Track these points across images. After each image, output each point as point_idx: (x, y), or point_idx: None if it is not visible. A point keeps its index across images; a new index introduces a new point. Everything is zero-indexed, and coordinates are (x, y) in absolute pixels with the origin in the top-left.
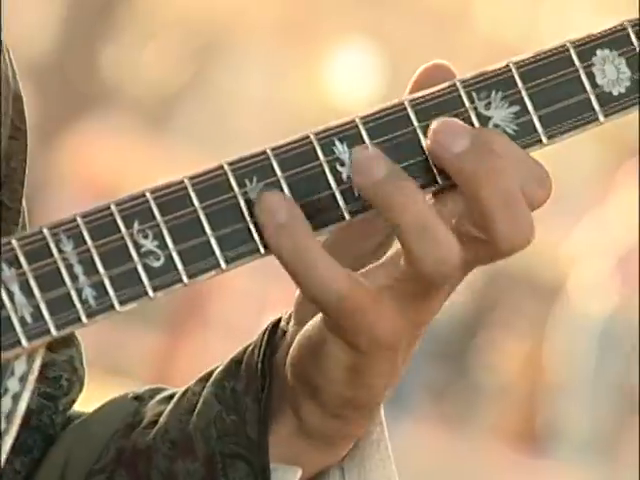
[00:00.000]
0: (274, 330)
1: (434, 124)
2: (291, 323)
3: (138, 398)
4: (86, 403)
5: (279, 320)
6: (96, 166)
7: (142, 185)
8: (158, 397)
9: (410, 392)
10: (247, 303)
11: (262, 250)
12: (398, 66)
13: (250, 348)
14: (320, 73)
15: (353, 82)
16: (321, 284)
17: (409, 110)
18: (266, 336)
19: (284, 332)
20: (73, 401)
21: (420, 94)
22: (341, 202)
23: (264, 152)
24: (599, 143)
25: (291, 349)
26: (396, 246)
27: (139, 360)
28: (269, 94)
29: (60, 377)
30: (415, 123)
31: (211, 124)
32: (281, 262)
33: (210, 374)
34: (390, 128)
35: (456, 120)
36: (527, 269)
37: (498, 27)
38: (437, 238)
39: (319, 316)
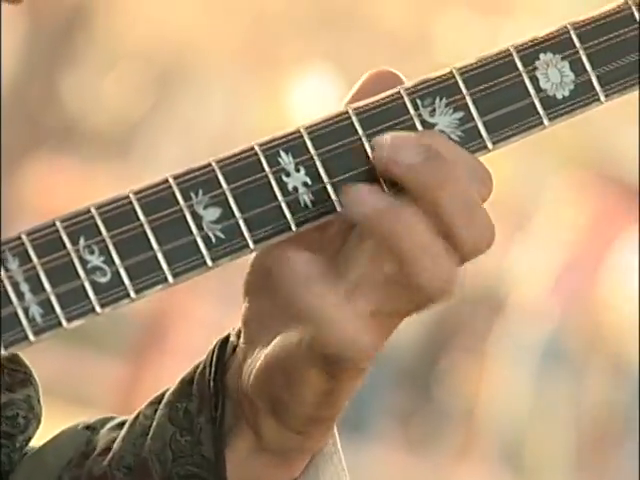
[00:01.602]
0: (223, 347)
1: (378, 139)
2: (241, 340)
3: (89, 427)
4: (49, 434)
5: (227, 337)
6: (57, 197)
7: None
8: (109, 425)
9: (375, 417)
10: (207, 331)
11: (209, 263)
12: None
13: (200, 367)
14: (281, 99)
15: (314, 108)
16: (341, 341)
17: (354, 119)
18: (216, 354)
19: (234, 348)
20: (30, 438)
21: (364, 102)
22: (287, 213)
23: (209, 165)
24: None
25: (255, 368)
26: (363, 268)
27: (101, 389)
28: (230, 121)
29: (17, 415)
30: (360, 132)
31: (173, 153)
32: (305, 319)
33: (161, 397)
34: (335, 137)
35: (401, 133)
36: (490, 292)
37: (457, 53)
38: (439, 260)
39: (290, 341)
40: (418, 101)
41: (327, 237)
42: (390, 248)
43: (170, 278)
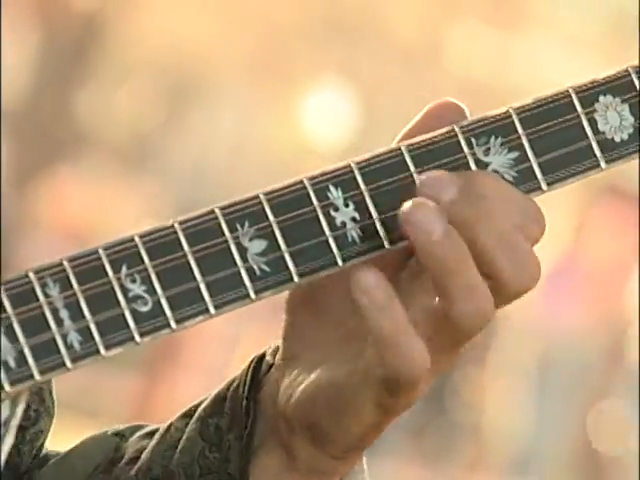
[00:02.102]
0: (258, 365)
1: (419, 179)
2: (278, 357)
3: (118, 434)
4: (64, 446)
5: (263, 355)
6: (71, 210)
7: (117, 228)
8: (139, 433)
9: (389, 431)
10: (221, 345)
11: (252, 296)
12: (371, 105)
13: (234, 384)
14: (293, 111)
15: (326, 121)
16: (410, 367)
17: (406, 155)
18: (250, 372)
19: (269, 366)
20: (41, 431)
21: (417, 139)
22: (334, 248)
23: (256, 197)
24: None
25: (298, 391)
26: (426, 300)
27: (116, 402)
28: (243, 134)
29: (28, 408)
30: (412, 168)
31: (185, 166)
32: (376, 340)
33: (194, 409)
34: (386, 173)
35: (442, 172)
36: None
37: (467, 65)
38: (479, 294)
39: (340, 372)
40: (473, 139)
41: (390, 255)
42: (437, 282)
43: (212, 309)
